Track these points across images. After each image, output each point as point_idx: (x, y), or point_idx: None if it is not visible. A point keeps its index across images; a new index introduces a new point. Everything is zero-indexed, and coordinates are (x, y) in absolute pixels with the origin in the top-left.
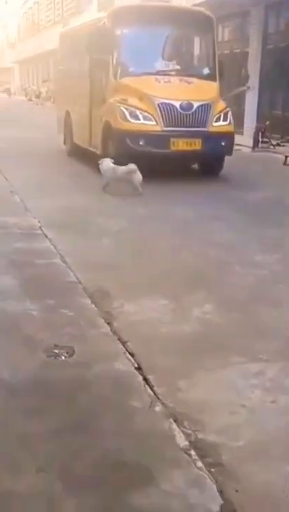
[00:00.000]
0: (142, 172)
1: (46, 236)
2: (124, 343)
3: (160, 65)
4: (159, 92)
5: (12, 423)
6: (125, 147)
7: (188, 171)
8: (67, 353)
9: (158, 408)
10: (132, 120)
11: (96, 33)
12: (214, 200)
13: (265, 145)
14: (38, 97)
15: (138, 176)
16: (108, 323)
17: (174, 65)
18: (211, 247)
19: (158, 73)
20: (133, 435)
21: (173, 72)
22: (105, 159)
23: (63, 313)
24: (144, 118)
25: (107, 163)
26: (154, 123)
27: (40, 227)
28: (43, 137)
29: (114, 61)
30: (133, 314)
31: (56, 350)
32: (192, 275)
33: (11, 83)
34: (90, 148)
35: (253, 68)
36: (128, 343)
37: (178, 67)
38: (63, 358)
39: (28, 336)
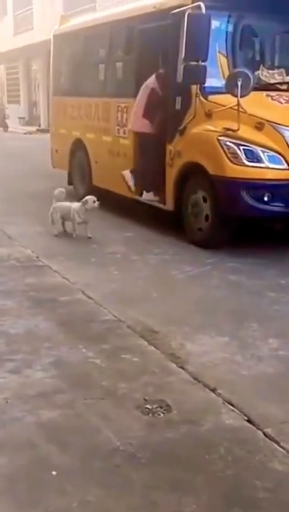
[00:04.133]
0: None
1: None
2: (214, 391)
3: (268, 75)
4: (286, 119)
5: (162, 502)
6: (239, 205)
7: None
8: (161, 407)
9: None
10: (250, 163)
11: (176, 25)
12: None
13: None
14: None
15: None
16: (182, 368)
17: (283, 74)
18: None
19: (266, 88)
20: None
21: (285, 86)
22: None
23: (128, 360)
24: (271, 159)
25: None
26: (285, 167)
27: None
28: None
29: (204, 69)
30: (201, 355)
31: (149, 406)
32: (227, 306)
33: None
34: (140, 199)
35: None
36: (218, 391)
37: None
38: (161, 414)
39: (109, 390)
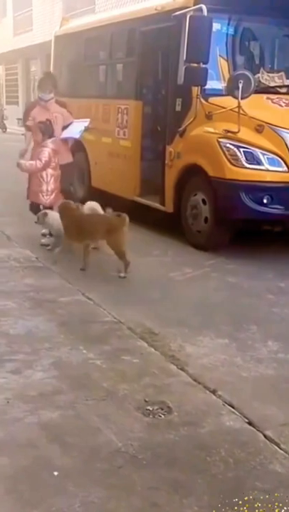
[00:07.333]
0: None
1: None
2: (214, 393)
3: (268, 77)
4: (285, 121)
5: (163, 504)
6: (238, 207)
7: None
8: (162, 409)
9: None
10: (250, 165)
11: (178, 27)
12: None
13: None
14: None
15: None
16: (182, 370)
17: (283, 78)
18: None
19: (266, 90)
20: None
21: (284, 89)
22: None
23: (128, 361)
24: (270, 162)
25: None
26: (285, 169)
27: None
28: None
29: (205, 71)
30: (201, 357)
31: (150, 407)
32: (226, 308)
33: None
34: (139, 200)
35: None
36: (219, 393)
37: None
38: (162, 416)
39: (109, 391)
